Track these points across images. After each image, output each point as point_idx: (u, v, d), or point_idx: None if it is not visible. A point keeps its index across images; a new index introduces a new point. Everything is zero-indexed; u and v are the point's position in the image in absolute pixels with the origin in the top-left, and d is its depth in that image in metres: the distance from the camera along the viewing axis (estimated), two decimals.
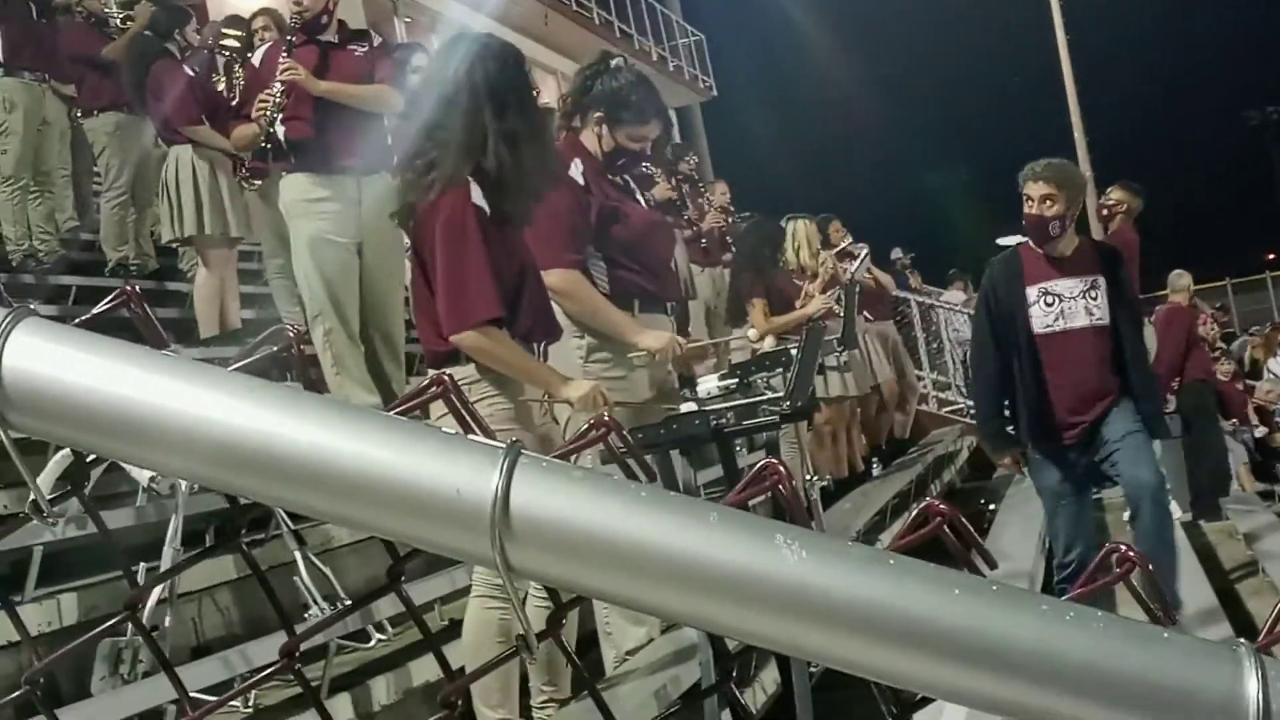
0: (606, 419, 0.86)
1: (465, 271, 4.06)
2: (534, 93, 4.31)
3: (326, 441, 0.79)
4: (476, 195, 4.10)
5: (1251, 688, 0.71)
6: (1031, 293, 6.21)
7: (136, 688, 4.28)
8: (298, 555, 5.26)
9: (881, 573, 0.74)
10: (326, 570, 5.33)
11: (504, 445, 0.79)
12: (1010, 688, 0.73)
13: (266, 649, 4.54)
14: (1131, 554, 0.79)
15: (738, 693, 0.92)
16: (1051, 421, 6.21)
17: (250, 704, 4.49)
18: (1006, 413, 6.37)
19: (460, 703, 0.86)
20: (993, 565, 0.81)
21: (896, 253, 20.77)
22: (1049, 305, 6.18)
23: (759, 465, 0.85)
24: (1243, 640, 0.74)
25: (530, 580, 0.79)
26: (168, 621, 4.68)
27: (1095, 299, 6.16)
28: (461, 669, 1.00)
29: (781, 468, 0.83)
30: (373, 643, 5.37)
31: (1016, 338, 6.23)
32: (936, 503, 0.82)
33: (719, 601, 0.75)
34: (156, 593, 4.62)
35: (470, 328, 4.05)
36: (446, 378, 0.88)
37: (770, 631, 0.76)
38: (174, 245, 9.44)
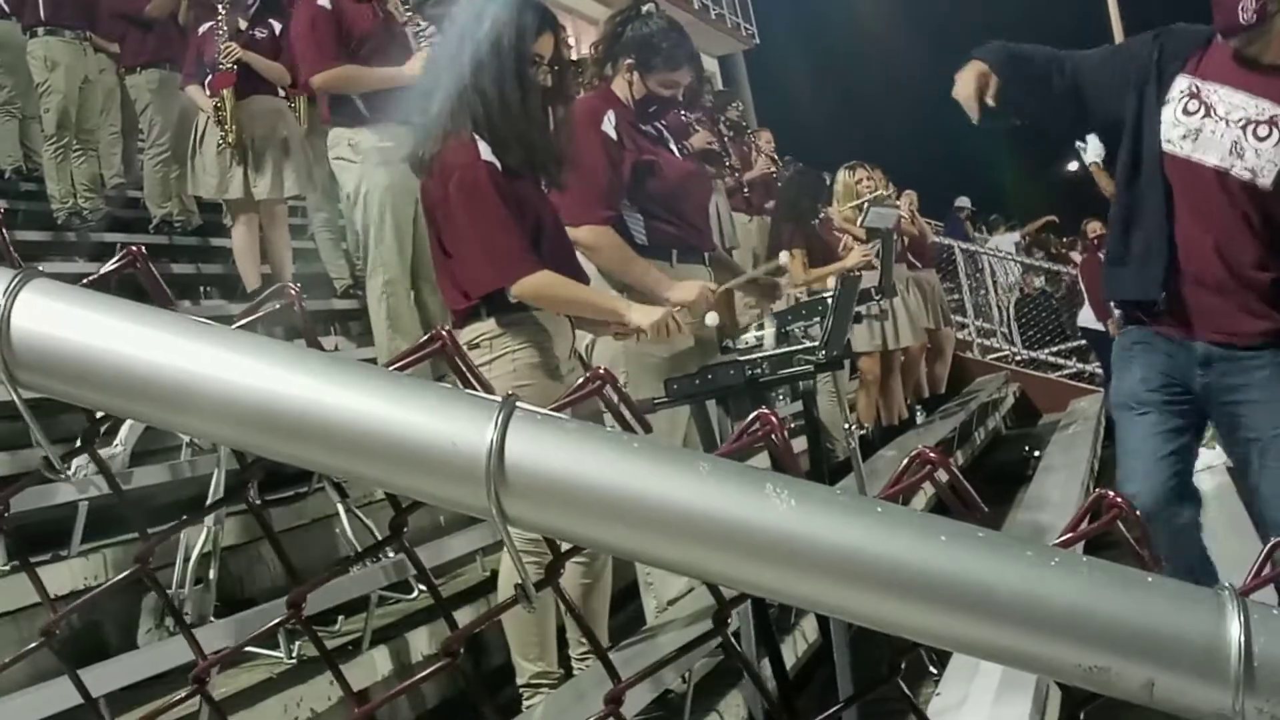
0: (602, 371, 0.87)
1: (490, 230, 4.07)
2: (534, 58, 4.28)
3: (325, 396, 0.80)
4: (485, 151, 4.11)
5: (1234, 631, 0.72)
6: (1178, 85, 4.13)
7: (181, 639, 4.33)
8: (340, 508, 5.31)
9: (869, 520, 0.76)
10: (369, 523, 5.37)
11: (499, 399, 0.80)
12: (996, 632, 0.74)
13: (312, 600, 4.58)
14: (1120, 500, 0.80)
15: (734, 641, 0.93)
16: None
17: (294, 655, 4.54)
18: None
19: (462, 651, 0.88)
20: (981, 511, 0.82)
21: (963, 201, 20.80)
22: (1188, 112, 4.10)
23: (754, 414, 0.86)
24: (1227, 584, 0.75)
25: (526, 531, 0.80)
26: (212, 574, 4.74)
27: (1262, 139, 4.02)
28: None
29: (774, 418, 0.84)
30: (415, 595, 5.42)
31: (1133, 141, 4.20)
32: (928, 450, 0.83)
33: (710, 550, 0.77)
34: (199, 546, 4.69)
35: (505, 284, 4.08)
36: (445, 333, 0.89)
37: (760, 579, 0.77)
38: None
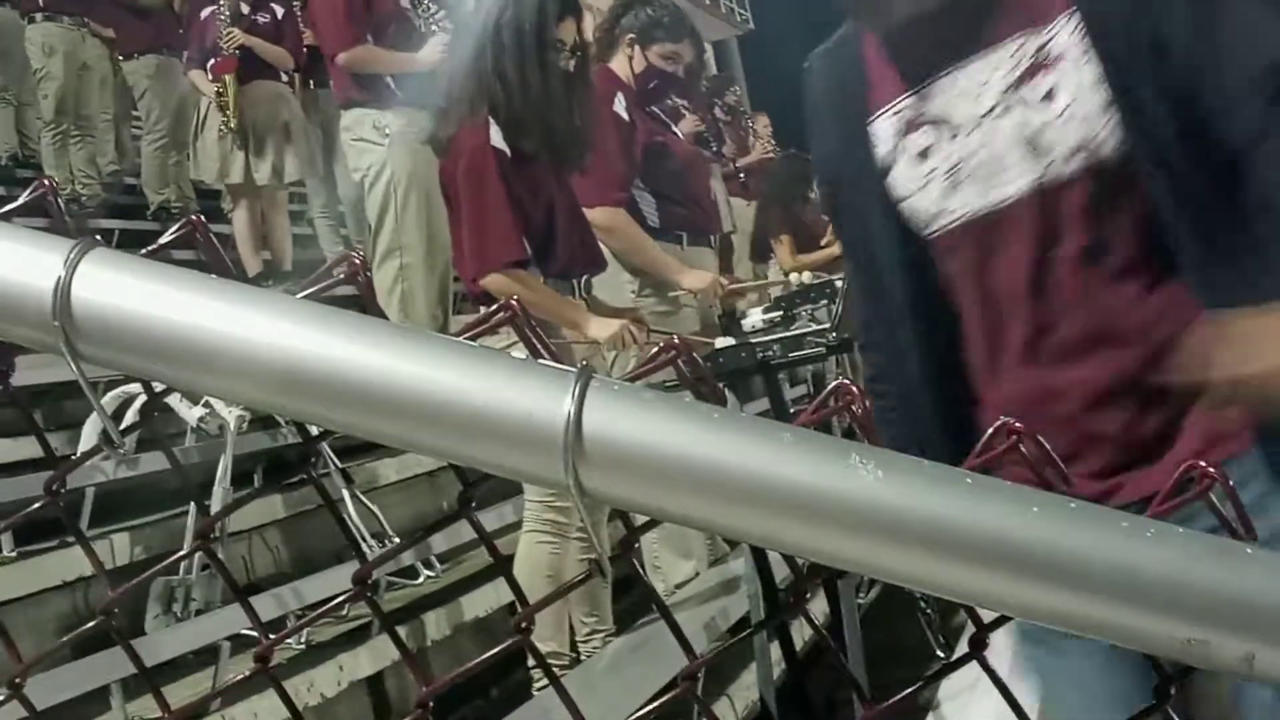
0: (678, 341, 0.85)
1: (485, 215, 4.09)
2: (556, 40, 4.28)
3: (398, 367, 0.79)
4: (496, 137, 4.12)
5: None
6: (881, 131, 2.09)
7: (189, 625, 4.33)
8: (345, 494, 5.30)
9: (958, 491, 0.74)
10: (374, 508, 5.37)
11: (574, 369, 0.78)
12: (1092, 605, 0.72)
13: (318, 585, 4.60)
14: (1212, 469, 0.78)
15: (812, 618, 0.92)
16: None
17: (304, 640, 4.53)
18: None
19: (529, 626, 0.86)
20: (1069, 483, 0.80)
21: None
22: (926, 155, 2.01)
23: (832, 385, 0.84)
24: None
25: (604, 504, 0.79)
26: (220, 557, 4.72)
27: (1049, 96, 1.87)
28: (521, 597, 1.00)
29: (854, 388, 0.82)
30: (421, 579, 5.41)
31: (874, 261, 2.15)
32: (1012, 422, 0.81)
33: (794, 521, 0.75)
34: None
35: (492, 270, 4.08)
36: (515, 303, 0.87)
37: (846, 551, 0.75)
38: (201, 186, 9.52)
